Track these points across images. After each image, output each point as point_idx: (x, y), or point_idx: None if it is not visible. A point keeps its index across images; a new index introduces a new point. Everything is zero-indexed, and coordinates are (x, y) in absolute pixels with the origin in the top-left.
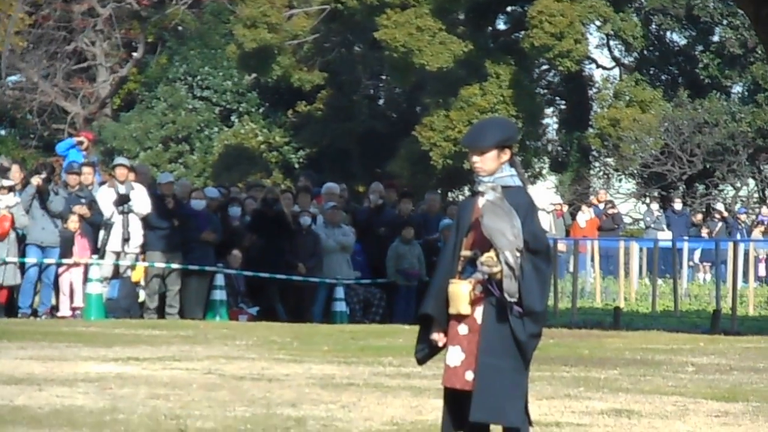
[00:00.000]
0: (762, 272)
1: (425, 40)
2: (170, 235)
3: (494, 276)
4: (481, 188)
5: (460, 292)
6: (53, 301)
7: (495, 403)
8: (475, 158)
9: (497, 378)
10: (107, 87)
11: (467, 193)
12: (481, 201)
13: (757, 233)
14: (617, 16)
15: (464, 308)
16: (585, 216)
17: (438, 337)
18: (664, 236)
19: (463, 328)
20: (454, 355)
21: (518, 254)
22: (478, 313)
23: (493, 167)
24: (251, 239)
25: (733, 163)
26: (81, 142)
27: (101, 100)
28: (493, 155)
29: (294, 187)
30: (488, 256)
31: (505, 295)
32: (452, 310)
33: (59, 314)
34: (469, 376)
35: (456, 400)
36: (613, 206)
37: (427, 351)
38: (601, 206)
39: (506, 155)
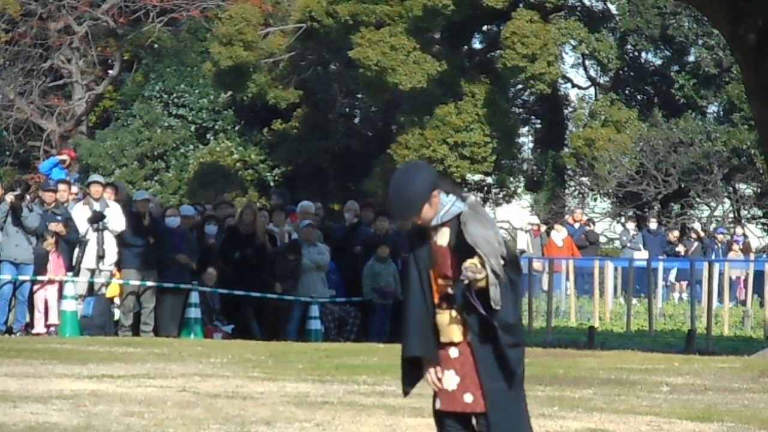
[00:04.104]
0: (742, 294)
1: (399, 59)
2: (145, 252)
3: (477, 283)
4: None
5: (451, 320)
6: (27, 318)
7: (511, 424)
8: (415, 219)
9: (506, 400)
10: (83, 104)
11: None
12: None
13: (736, 253)
14: (592, 36)
15: (457, 336)
16: (560, 235)
17: (435, 372)
18: (641, 256)
19: (453, 352)
20: (450, 379)
21: (502, 261)
22: (468, 335)
23: (432, 214)
24: (222, 264)
25: (708, 183)
26: (64, 161)
27: (77, 117)
28: (427, 208)
29: (269, 205)
30: (472, 263)
31: (492, 303)
32: (444, 339)
33: (34, 331)
34: (468, 398)
35: (452, 421)
36: (592, 224)
37: (415, 383)
38: (576, 225)
39: (436, 196)
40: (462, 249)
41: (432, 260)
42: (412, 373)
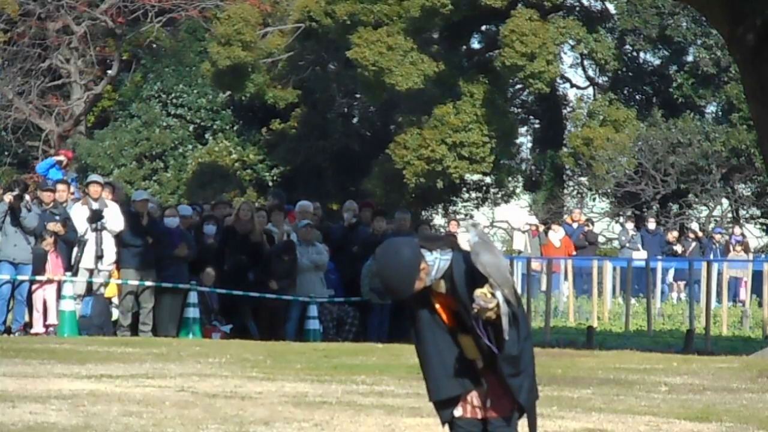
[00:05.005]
0: (743, 294)
1: (396, 59)
2: (144, 252)
3: (486, 312)
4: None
5: (472, 341)
6: (26, 318)
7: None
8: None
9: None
10: (81, 104)
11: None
12: (465, 238)
13: (738, 253)
14: (591, 36)
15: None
16: (557, 235)
17: (477, 397)
18: (639, 256)
19: (479, 363)
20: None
21: (514, 291)
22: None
23: (424, 281)
24: (220, 264)
25: (707, 183)
26: (61, 162)
27: (75, 117)
28: (419, 283)
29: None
30: (482, 292)
31: (503, 334)
32: (470, 357)
33: (32, 331)
34: (488, 403)
35: (464, 423)
36: (590, 224)
37: (451, 408)
38: (574, 225)
39: (424, 268)
40: (460, 289)
41: (432, 299)
42: (446, 405)
